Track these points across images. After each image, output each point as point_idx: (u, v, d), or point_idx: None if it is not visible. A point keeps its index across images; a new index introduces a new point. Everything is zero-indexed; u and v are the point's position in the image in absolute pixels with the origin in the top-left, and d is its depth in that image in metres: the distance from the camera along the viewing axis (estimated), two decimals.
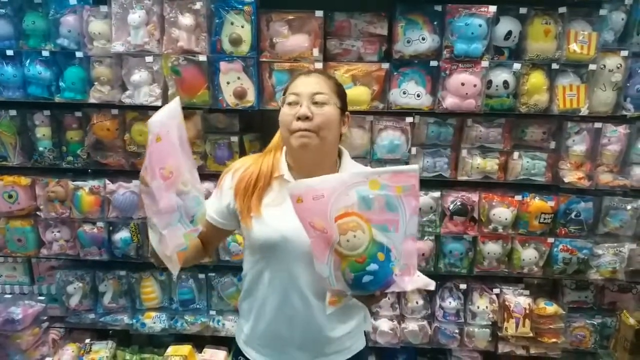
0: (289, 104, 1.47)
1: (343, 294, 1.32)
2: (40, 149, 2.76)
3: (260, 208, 1.49)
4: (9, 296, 3.01)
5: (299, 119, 1.43)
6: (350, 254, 1.23)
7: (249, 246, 1.58)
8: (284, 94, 1.54)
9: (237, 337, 1.72)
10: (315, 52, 2.49)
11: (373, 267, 1.22)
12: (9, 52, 2.60)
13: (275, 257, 1.50)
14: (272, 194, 1.52)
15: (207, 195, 1.74)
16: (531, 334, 2.75)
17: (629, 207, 2.68)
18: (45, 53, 2.58)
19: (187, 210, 1.27)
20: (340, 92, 1.54)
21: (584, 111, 2.55)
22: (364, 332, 1.73)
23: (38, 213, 2.82)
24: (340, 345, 1.60)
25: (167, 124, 1.19)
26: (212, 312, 2.96)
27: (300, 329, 1.54)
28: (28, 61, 2.59)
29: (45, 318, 2.94)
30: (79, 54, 2.56)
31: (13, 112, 2.73)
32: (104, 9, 2.50)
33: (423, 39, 2.48)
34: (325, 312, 1.37)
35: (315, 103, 1.44)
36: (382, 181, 1.21)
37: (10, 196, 2.77)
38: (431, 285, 1.31)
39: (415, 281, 1.28)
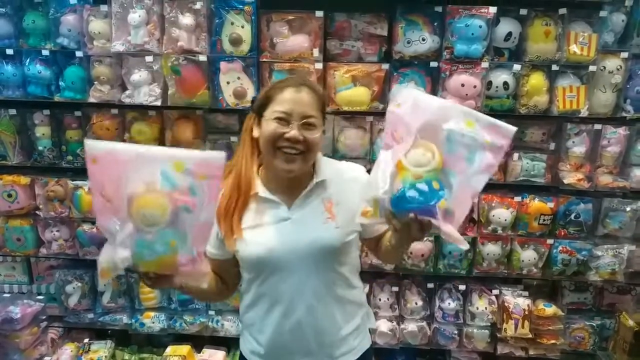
0: (278, 120, 1.40)
1: (380, 207, 1.25)
2: (40, 148, 2.76)
3: (241, 229, 1.47)
4: (8, 295, 3.00)
5: (288, 139, 1.39)
6: (410, 168, 1.19)
7: (242, 266, 1.55)
8: (265, 102, 1.45)
9: (242, 347, 1.69)
10: (316, 52, 2.49)
11: (422, 186, 1.17)
12: (9, 51, 2.60)
13: (271, 273, 1.49)
14: (250, 214, 1.49)
15: None
16: (530, 335, 2.75)
17: (628, 208, 2.68)
18: (45, 52, 2.58)
19: (124, 242, 1.19)
20: (323, 106, 1.50)
21: (584, 112, 2.55)
22: (369, 329, 1.72)
23: (37, 212, 2.82)
24: (347, 345, 1.59)
25: (117, 157, 1.15)
26: (211, 312, 2.96)
27: (306, 336, 1.52)
28: (28, 60, 2.59)
29: (44, 317, 2.94)
30: (79, 54, 2.56)
31: (13, 111, 2.73)
32: (104, 8, 2.49)
33: (423, 39, 2.48)
34: (357, 221, 1.31)
35: (306, 125, 1.41)
36: (477, 125, 1.17)
37: (9, 195, 2.77)
38: (464, 245, 1.24)
39: (452, 231, 1.21)
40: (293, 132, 1.38)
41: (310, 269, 1.47)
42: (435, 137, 1.19)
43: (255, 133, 1.49)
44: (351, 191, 1.48)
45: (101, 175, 1.17)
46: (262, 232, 1.47)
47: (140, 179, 1.17)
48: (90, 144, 1.15)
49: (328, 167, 1.56)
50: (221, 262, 1.57)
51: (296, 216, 1.48)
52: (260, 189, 1.50)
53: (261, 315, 1.55)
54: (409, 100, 1.22)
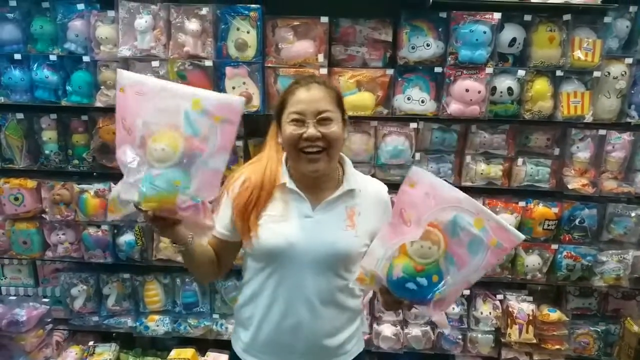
0: (294, 122, 1.42)
1: (377, 281, 1.31)
2: (47, 152, 2.78)
3: (257, 226, 1.48)
4: (14, 298, 3.02)
5: (306, 139, 1.40)
6: (414, 259, 1.24)
7: (253, 254, 1.55)
8: (281, 107, 1.49)
9: (234, 344, 1.68)
10: (320, 57, 2.51)
11: (422, 281, 1.22)
12: (17, 56, 2.63)
13: (281, 265, 1.49)
14: (276, 204, 1.50)
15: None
16: (535, 341, 2.75)
17: (633, 214, 2.68)
18: (52, 57, 2.61)
19: (132, 169, 1.23)
20: (339, 101, 1.50)
21: (588, 118, 2.55)
22: (362, 332, 1.73)
23: (43, 216, 2.84)
24: (342, 349, 1.59)
25: (144, 85, 1.19)
26: (215, 316, 2.97)
27: (304, 337, 1.52)
28: (35, 65, 2.62)
29: (49, 320, 2.96)
30: (85, 58, 2.59)
31: (20, 116, 2.75)
32: (111, 14, 2.52)
33: (428, 45, 2.49)
34: (349, 285, 1.38)
35: (321, 121, 1.41)
36: (486, 225, 1.19)
37: (16, 199, 2.79)
38: (446, 329, 1.34)
39: (440, 317, 1.29)
40: (310, 130, 1.40)
41: (320, 271, 1.48)
42: (442, 217, 1.22)
43: (279, 139, 1.52)
44: (373, 207, 1.54)
45: (125, 103, 1.21)
46: (285, 224, 1.48)
47: (161, 114, 1.20)
48: (121, 73, 1.20)
49: (357, 178, 1.57)
50: (227, 244, 1.58)
51: (318, 217, 1.49)
52: (287, 179, 1.51)
53: (261, 311, 1.54)
54: (425, 185, 1.24)
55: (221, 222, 1.56)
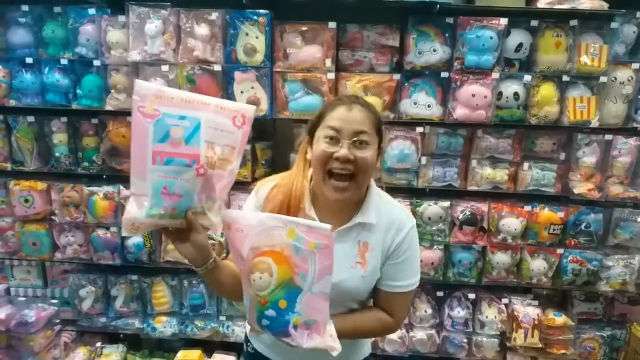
0: (328, 138, 1.34)
1: (255, 327, 1.31)
2: (57, 154, 2.82)
3: None
4: (23, 299, 3.05)
5: (337, 159, 1.32)
6: (257, 294, 1.23)
7: None
8: (317, 121, 1.41)
9: (247, 326, 1.68)
10: (328, 62, 2.53)
11: (270, 312, 1.21)
12: (29, 60, 2.67)
13: None
14: None
15: None
16: (540, 345, 2.75)
17: (639, 219, 2.68)
18: (63, 61, 2.64)
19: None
20: (379, 127, 1.41)
21: (595, 123, 2.56)
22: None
23: (53, 217, 2.87)
24: (349, 352, 1.59)
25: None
26: (222, 318, 2.99)
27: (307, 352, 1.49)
28: (47, 69, 2.66)
29: (57, 321, 2.99)
30: (96, 63, 2.62)
31: (31, 119, 2.79)
32: (121, 18, 2.55)
33: (434, 50, 2.51)
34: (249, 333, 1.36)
35: (357, 143, 1.33)
36: (299, 232, 1.18)
37: (26, 200, 2.82)
38: (335, 351, 1.24)
39: (319, 341, 1.23)
40: (343, 150, 1.32)
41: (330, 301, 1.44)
42: (277, 244, 1.20)
43: (309, 155, 1.44)
44: (388, 235, 1.46)
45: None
46: None
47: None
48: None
49: (378, 207, 1.48)
50: None
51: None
52: (307, 204, 1.45)
53: None
54: (234, 221, 1.24)
55: None
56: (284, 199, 1.44)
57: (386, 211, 1.48)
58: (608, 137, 2.63)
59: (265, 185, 1.51)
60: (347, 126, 1.33)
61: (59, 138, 2.80)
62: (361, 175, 1.35)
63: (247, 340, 1.71)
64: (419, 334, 2.84)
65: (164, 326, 2.98)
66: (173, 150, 1.15)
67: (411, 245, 1.48)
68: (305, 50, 2.54)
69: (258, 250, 1.21)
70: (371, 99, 2.56)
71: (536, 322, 2.73)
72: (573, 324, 2.78)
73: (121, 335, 3.12)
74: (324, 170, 1.35)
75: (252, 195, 1.53)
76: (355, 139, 1.33)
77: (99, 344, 3.08)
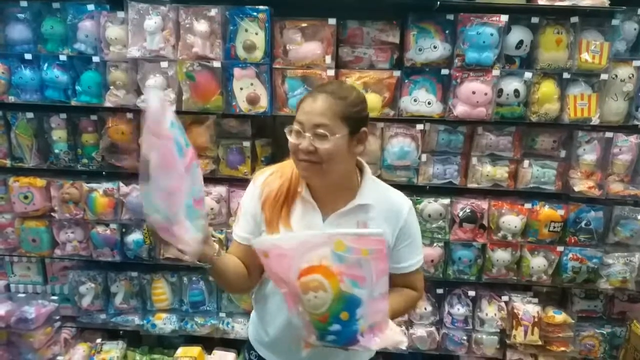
0: (295, 130, 1.41)
1: (315, 344, 1.31)
2: (56, 151, 2.81)
3: (290, 221, 1.47)
4: (23, 295, 3.05)
5: (301, 151, 1.39)
6: (313, 312, 1.22)
7: None
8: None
9: (250, 333, 1.72)
10: (328, 59, 2.52)
11: (335, 327, 1.21)
12: (28, 56, 2.65)
13: None
14: (296, 212, 1.49)
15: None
16: (540, 343, 2.75)
17: (639, 216, 2.68)
18: (62, 57, 2.63)
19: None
20: (350, 115, 1.39)
21: (595, 120, 2.55)
22: None
23: (52, 214, 2.87)
24: (352, 356, 1.57)
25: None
26: (222, 315, 2.99)
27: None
28: (46, 65, 2.64)
29: (57, 318, 2.99)
30: (95, 59, 2.61)
31: (30, 115, 2.77)
32: (120, 14, 2.54)
33: (435, 47, 2.50)
34: (303, 354, 1.36)
35: (316, 135, 1.36)
36: (347, 243, 1.17)
37: (25, 197, 2.82)
38: (402, 344, 1.27)
39: (386, 339, 1.25)
40: (303, 143, 1.37)
41: None
42: (321, 254, 1.19)
43: None
44: (386, 222, 1.49)
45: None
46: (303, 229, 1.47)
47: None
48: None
49: (374, 191, 1.53)
50: (250, 249, 1.44)
51: (327, 230, 1.44)
52: (303, 188, 1.49)
53: (272, 310, 1.57)
54: (272, 249, 1.23)
55: (244, 226, 1.54)
56: (283, 183, 1.50)
57: (383, 195, 1.54)
58: (609, 134, 2.62)
59: (264, 173, 1.56)
60: (308, 119, 1.37)
61: (58, 134, 2.79)
62: (325, 164, 1.38)
63: (250, 348, 1.71)
64: (419, 331, 2.84)
65: (164, 323, 2.98)
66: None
67: (412, 224, 1.55)
68: (305, 46, 2.53)
69: (308, 266, 1.20)
70: (371, 96, 2.56)
71: (536, 319, 2.73)
72: (573, 321, 2.78)
73: (121, 332, 3.11)
74: (296, 159, 1.42)
75: (250, 185, 1.57)
76: (314, 131, 1.37)
77: (99, 341, 3.07)
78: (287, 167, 1.53)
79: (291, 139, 1.41)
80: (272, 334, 1.60)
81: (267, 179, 1.53)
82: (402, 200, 1.55)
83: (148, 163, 1.17)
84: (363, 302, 1.20)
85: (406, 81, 2.57)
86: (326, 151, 1.37)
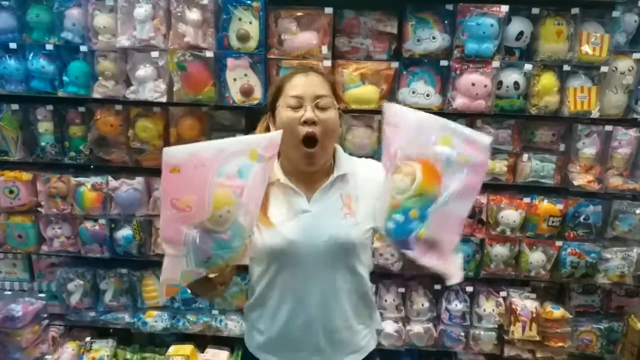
0: (292, 107, 1.40)
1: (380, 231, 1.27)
2: (42, 144, 2.72)
3: (269, 218, 1.44)
4: (9, 293, 2.97)
5: (305, 122, 1.38)
6: (393, 195, 1.17)
7: (255, 257, 1.48)
8: (277, 94, 1.48)
9: (248, 344, 1.66)
10: (324, 49, 2.46)
11: (399, 217, 1.15)
12: (12, 45, 2.56)
13: (285, 265, 1.46)
14: (277, 201, 1.47)
15: None
16: (538, 338, 2.72)
17: (638, 211, 2.65)
18: (49, 47, 2.54)
19: (203, 250, 1.16)
20: (334, 90, 1.50)
21: (595, 114, 2.52)
22: (375, 330, 1.70)
23: (39, 209, 2.78)
24: (355, 345, 1.58)
25: (201, 159, 1.10)
26: (215, 312, 2.92)
27: (316, 333, 1.50)
28: (31, 55, 2.55)
29: (45, 315, 2.91)
30: (83, 48, 2.52)
31: (15, 107, 2.68)
32: (109, 2, 2.45)
33: (433, 38, 2.45)
34: (374, 245, 1.34)
35: (319, 107, 1.40)
36: (454, 141, 1.10)
37: (11, 191, 2.73)
38: (454, 279, 1.19)
39: (438, 264, 1.16)
40: (308, 113, 1.37)
41: (327, 265, 1.45)
42: (429, 153, 1.13)
43: (272, 129, 1.47)
44: (369, 188, 1.47)
45: (184, 182, 1.10)
46: (282, 223, 1.44)
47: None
48: (170, 152, 1.07)
49: (349, 162, 1.56)
50: None
51: (315, 209, 1.46)
52: (280, 176, 1.48)
53: (271, 311, 1.52)
54: (393, 117, 1.20)
55: None
56: None
57: (359, 164, 1.58)
58: (608, 128, 2.59)
59: None
60: (307, 90, 1.40)
61: (45, 127, 2.70)
62: (326, 138, 1.40)
63: (251, 357, 1.65)
64: (416, 328, 2.80)
65: (155, 320, 2.91)
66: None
67: None
68: (301, 36, 2.47)
69: (408, 156, 1.15)
70: (369, 88, 2.51)
71: (534, 315, 2.70)
72: (571, 316, 2.75)
73: (111, 330, 3.05)
74: (294, 135, 1.39)
75: None
76: (317, 101, 1.39)
77: (88, 339, 2.99)
78: None
79: (289, 114, 1.40)
80: (273, 336, 1.55)
81: None
82: (376, 164, 1.55)
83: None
84: (435, 208, 1.13)
85: (404, 72, 2.52)
86: (329, 121, 1.40)
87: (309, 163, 1.43)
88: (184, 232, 1.13)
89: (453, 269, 1.20)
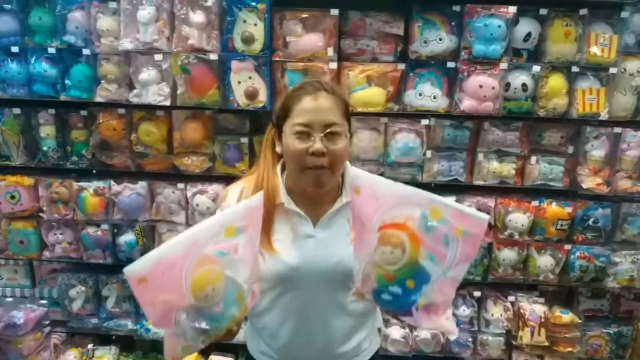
0: (298, 134, 1.31)
1: (364, 296, 1.27)
2: (44, 148, 2.69)
3: (272, 244, 1.39)
4: (10, 300, 2.93)
5: (312, 154, 1.29)
6: (382, 267, 1.16)
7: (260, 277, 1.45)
8: (284, 111, 1.36)
9: (250, 347, 1.63)
10: (330, 51, 2.43)
11: (396, 289, 1.15)
12: (14, 49, 2.53)
13: (289, 288, 1.43)
14: (281, 226, 1.42)
15: None
16: (547, 343, 2.69)
17: None
18: (51, 50, 2.51)
19: (197, 328, 1.14)
20: (347, 112, 1.39)
21: (604, 115, 2.49)
22: (378, 329, 1.69)
23: (41, 214, 2.75)
24: (357, 350, 1.55)
25: (168, 262, 1.06)
26: None
27: (319, 348, 1.48)
28: (33, 58, 2.52)
29: (47, 322, 2.88)
30: (86, 51, 2.49)
31: (17, 111, 2.66)
32: (112, 5, 2.43)
33: (440, 39, 2.42)
34: (348, 300, 1.31)
35: (329, 135, 1.30)
36: (445, 215, 1.09)
37: (12, 197, 2.70)
38: (453, 334, 1.24)
39: (438, 324, 1.18)
40: (316, 145, 1.28)
41: (330, 288, 1.42)
42: (409, 215, 1.12)
43: (278, 148, 1.41)
44: None
45: (154, 288, 1.06)
46: (285, 248, 1.40)
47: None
48: (131, 269, 1.03)
49: (354, 178, 1.46)
50: None
51: (321, 235, 1.41)
52: (285, 199, 1.42)
53: (274, 326, 1.50)
54: (367, 188, 1.17)
55: None
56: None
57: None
58: (617, 130, 2.56)
59: (233, 193, 1.46)
60: (316, 119, 1.30)
61: (47, 131, 2.67)
62: (336, 166, 1.34)
63: None
64: (423, 334, 2.76)
65: (158, 327, 2.87)
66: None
67: None
68: (306, 38, 2.44)
69: (398, 221, 1.13)
70: (375, 90, 2.49)
71: (543, 320, 2.67)
72: (580, 321, 2.71)
73: (113, 337, 3.01)
74: (299, 165, 1.33)
75: (218, 210, 1.46)
76: (327, 131, 1.30)
77: (90, 346, 2.95)
78: (256, 180, 1.44)
79: (296, 144, 1.31)
80: (276, 349, 1.52)
81: (239, 198, 1.43)
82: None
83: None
84: (432, 280, 1.13)
85: (411, 74, 2.49)
86: (340, 151, 1.32)
87: (317, 186, 1.35)
88: (173, 317, 1.11)
89: (449, 324, 1.21)
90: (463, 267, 1.13)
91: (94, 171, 2.77)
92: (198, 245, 1.08)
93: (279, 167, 1.47)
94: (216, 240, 1.11)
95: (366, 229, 1.17)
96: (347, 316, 1.48)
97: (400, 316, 1.21)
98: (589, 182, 2.58)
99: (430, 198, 1.11)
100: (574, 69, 2.46)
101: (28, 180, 2.71)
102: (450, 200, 1.16)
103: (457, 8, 2.42)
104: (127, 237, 2.75)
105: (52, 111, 2.66)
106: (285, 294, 1.44)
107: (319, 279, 1.40)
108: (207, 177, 2.68)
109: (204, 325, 1.14)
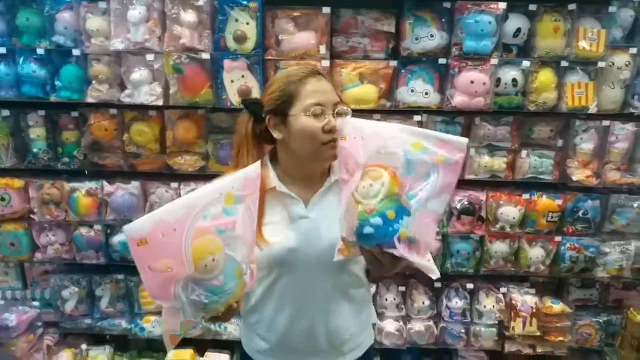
0: (314, 114, 1.35)
1: (351, 244, 1.26)
2: (35, 150, 2.66)
3: (263, 236, 1.41)
4: (2, 302, 2.90)
5: (330, 131, 1.34)
6: (362, 202, 1.18)
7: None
8: (289, 99, 1.39)
9: (247, 348, 1.64)
10: (322, 49, 2.44)
11: (376, 220, 1.15)
12: (2, 50, 2.50)
13: (285, 272, 1.44)
14: (269, 210, 1.44)
15: None
16: (538, 333, 2.74)
17: (635, 204, 2.67)
18: (40, 51, 2.48)
19: (196, 301, 1.14)
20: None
21: (592, 109, 2.53)
22: (372, 324, 1.71)
23: (32, 216, 2.73)
24: (354, 342, 1.58)
25: (168, 225, 1.06)
26: None
27: (317, 336, 1.49)
28: (22, 59, 2.49)
29: (39, 324, 2.86)
30: (75, 52, 2.46)
31: (6, 112, 2.63)
32: (102, 4, 2.41)
33: (431, 36, 2.44)
34: (334, 259, 1.31)
35: (339, 112, 1.37)
36: (427, 144, 1.15)
37: (2, 199, 2.67)
38: (434, 274, 1.26)
39: (419, 262, 1.20)
40: (332, 122, 1.35)
41: (326, 269, 1.43)
42: (392, 160, 1.17)
43: (277, 135, 1.41)
44: None
45: (154, 251, 1.06)
46: (280, 231, 1.42)
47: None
48: (131, 227, 1.04)
49: None
50: None
51: (314, 215, 1.44)
52: (276, 182, 1.45)
53: (270, 315, 1.50)
54: (353, 131, 1.22)
55: None
56: None
57: None
58: (605, 123, 2.60)
59: None
60: (327, 98, 1.37)
61: (37, 132, 2.64)
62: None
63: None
64: (417, 326, 2.80)
65: (153, 326, 2.87)
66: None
67: None
68: (298, 36, 2.44)
69: (377, 159, 1.19)
70: (367, 87, 2.51)
71: (534, 310, 2.72)
72: (570, 310, 2.77)
73: (107, 337, 3.00)
74: (316, 143, 1.36)
75: None
76: (338, 108, 1.38)
77: (84, 346, 2.94)
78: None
79: (312, 122, 1.35)
80: (273, 340, 1.53)
81: None
82: None
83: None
84: (412, 211, 1.17)
85: (402, 71, 2.50)
86: None
87: (334, 158, 1.38)
88: (171, 289, 1.11)
89: (430, 265, 1.26)
90: (444, 199, 1.18)
91: (86, 172, 2.75)
92: (197, 210, 1.09)
93: (267, 157, 1.51)
94: (216, 209, 1.12)
95: (357, 166, 1.21)
96: (345, 301, 1.50)
97: (385, 249, 1.19)
98: (579, 174, 2.62)
99: (412, 132, 1.18)
100: (563, 63, 2.49)
101: (18, 182, 2.68)
102: (431, 130, 1.21)
103: (447, 5, 2.44)
104: (121, 237, 2.73)
105: (42, 112, 2.62)
106: (281, 279, 1.45)
107: (315, 260, 1.41)
108: (201, 176, 2.67)
109: (203, 298, 1.14)
